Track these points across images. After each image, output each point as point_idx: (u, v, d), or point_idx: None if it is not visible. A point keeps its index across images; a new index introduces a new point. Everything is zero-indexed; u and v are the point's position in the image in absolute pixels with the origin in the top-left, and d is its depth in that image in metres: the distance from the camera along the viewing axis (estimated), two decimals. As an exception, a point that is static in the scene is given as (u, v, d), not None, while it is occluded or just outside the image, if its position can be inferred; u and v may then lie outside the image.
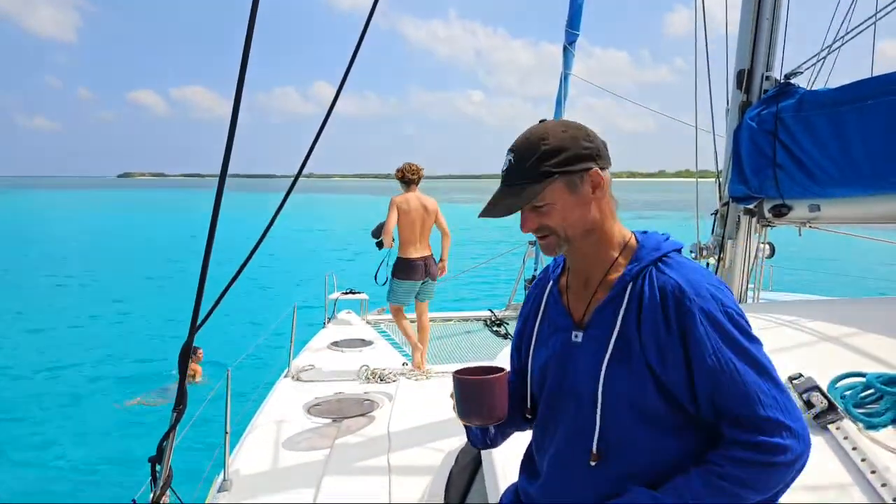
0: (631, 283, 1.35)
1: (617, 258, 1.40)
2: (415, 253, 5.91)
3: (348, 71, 1.90)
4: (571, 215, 1.36)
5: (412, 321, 6.23)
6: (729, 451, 1.24)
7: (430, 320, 6.39)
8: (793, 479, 1.25)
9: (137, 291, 17.30)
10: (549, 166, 1.33)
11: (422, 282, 6.01)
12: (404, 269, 5.92)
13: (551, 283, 1.53)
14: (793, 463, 1.22)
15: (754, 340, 1.29)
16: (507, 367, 1.51)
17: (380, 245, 6.01)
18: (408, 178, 5.92)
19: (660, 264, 1.36)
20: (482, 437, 1.64)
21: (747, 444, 1.23)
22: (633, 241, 1.43)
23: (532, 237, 7.93)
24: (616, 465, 1.34)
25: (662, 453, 1.32)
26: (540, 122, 1.41)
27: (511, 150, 1.38)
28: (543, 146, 1.34)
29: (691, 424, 1.32)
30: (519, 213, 1.38)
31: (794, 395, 1.83)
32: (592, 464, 1.34)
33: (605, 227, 1.40)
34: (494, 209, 1.37)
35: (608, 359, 1.33)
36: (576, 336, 1.41)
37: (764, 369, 1.27)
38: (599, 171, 1.36)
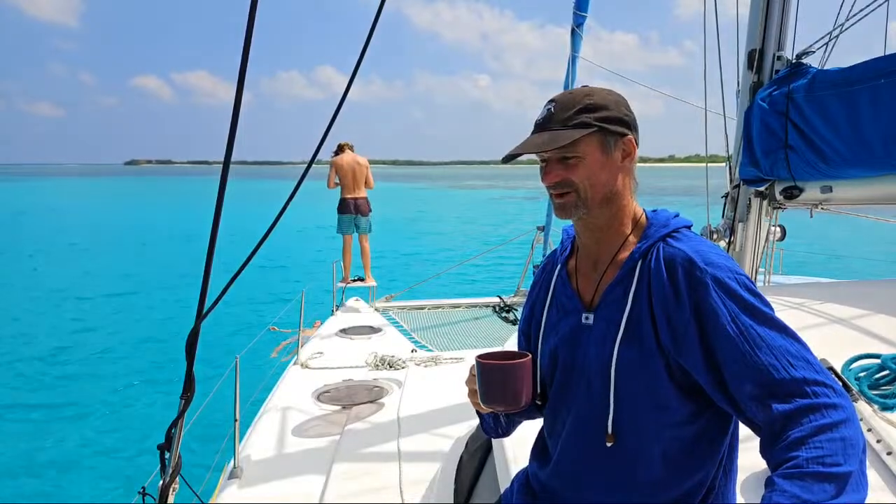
0: (640, 261, 1.33)
1: (628, 236, 1.38)
2: (348, 194, 8.51)
3: (359, 63, 1.88)
4: (597, 176, 1.33)
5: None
6: (785, 438, 1.10)
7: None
8: (864, 442, 1.09)
9: (156, 279, 17.38)
10: (589, 118, 1.32)
11: (353, 215, 8.51)
12: (340, 205, 8.54)
13: (559, 266, 1.50)
14: (851, 419, 1.09)
15: (769, 306, 1.23)
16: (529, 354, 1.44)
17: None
18: (339, 147, 8.58)
19: (668, 239, 1.33)
20: (495, 427, 1.63)
21: (797, 415, 1.10)
22: (643, 218, 1.40)
23: (542, 222, 7.92)
24: (629, 447, 1.32)
25: (676, 435, 1.29)
26: (583, 87, 1.40)
27: (552, 101, 1.36)
28: (587, 100, 1.33)
29: (705, 406, 1.29)
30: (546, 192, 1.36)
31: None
32: (608, 444, 1.32)
33: (623, 200, 1.38)
34: (524, 147, 1.35)
35: (619, 339, 1.30)
36: (586, 318, 1.38)
37: (788, 331, 1.20)
38: (633, 141, 1.36)
